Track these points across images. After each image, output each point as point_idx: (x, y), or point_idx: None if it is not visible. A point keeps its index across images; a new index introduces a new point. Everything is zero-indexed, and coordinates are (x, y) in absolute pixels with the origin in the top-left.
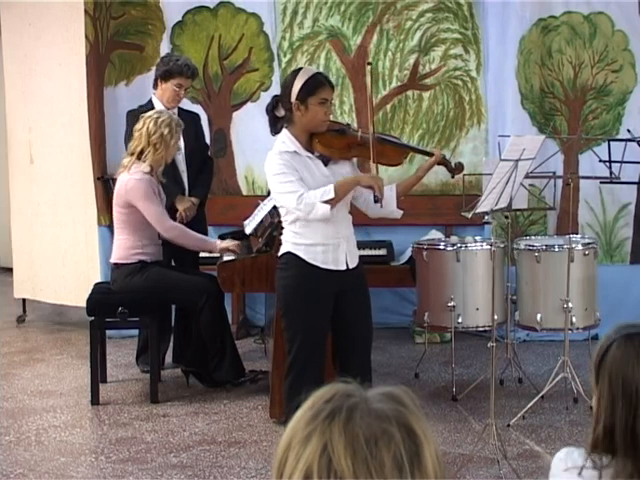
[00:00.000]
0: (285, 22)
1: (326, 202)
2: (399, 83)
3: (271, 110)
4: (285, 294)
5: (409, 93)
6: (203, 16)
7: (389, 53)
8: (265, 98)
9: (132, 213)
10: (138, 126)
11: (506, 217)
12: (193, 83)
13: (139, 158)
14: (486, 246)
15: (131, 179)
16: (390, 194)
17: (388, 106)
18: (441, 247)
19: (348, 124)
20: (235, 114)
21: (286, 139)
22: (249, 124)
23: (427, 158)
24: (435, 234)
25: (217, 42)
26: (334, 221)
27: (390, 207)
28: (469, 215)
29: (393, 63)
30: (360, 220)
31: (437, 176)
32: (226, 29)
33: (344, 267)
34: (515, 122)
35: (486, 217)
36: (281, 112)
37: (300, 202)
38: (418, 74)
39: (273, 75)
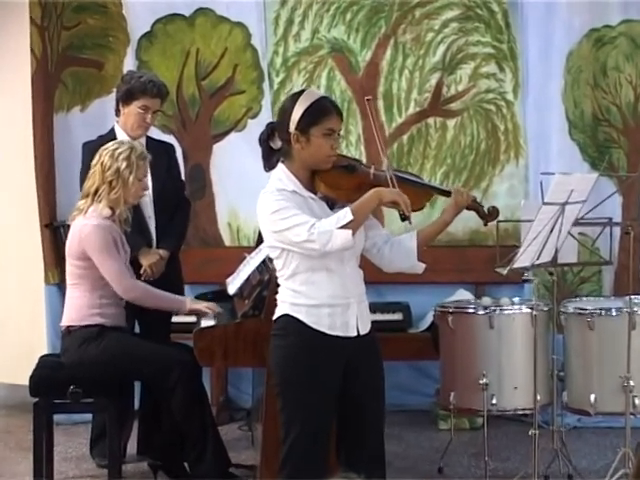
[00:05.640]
0: (278, 34)
1: (344, 228)
2: (418, 108)
3: (265, 140)
4: (282, 367)
5: (430, 121)
6: (177, 26)
7: (406, 71)
8: (253, 127)
9: (90, 267)
10: (94, 161)
11: (551, 274)
12: (164, 108)
13: (94, 200)
14: (526, 309)
15: (87, 225)
16: (410, 244)
17: (405, 137)
18: (470, 311)
19: (358, 160)
20: (216, 146)
21: (283, 176)
22: (233, 158)
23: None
24: (463, 294)
25: (194, 58)
26: (342, 276)
27: (410, 260)
28: (505, 271)
29: (411, 84)
30: (370, 277)
31: (465, 223)
32: (205, 42)
33: (354, 333)
34: (561, 156)
35: (526, 274)
36: (277, 143)
37: (312, 232)
38: (442, 97)
39: (263, 99)
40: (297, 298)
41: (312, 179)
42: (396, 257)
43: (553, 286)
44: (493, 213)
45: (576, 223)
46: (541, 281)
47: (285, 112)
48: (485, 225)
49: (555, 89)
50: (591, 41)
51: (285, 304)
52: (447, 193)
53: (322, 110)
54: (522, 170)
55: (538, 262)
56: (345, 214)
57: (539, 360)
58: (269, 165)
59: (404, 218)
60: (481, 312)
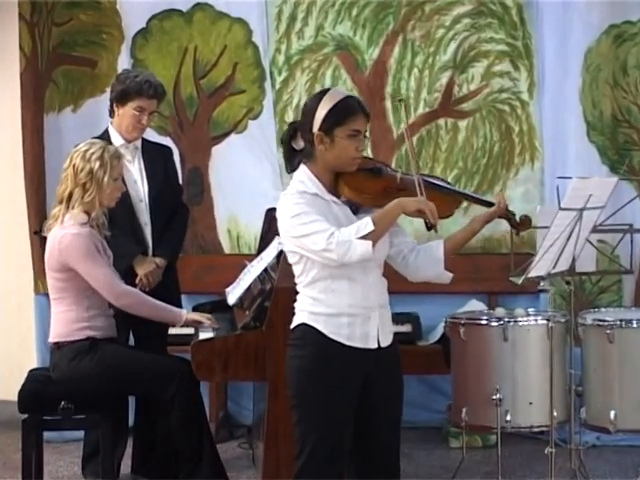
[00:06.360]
0: (280, 30)
1: (364, 238)
2: (428, 109)
3: (287, 141)
4: (298, 378)
5: (441, 122)
6: (173, 22)
7: (415, 70)
8: (253, 128)
9: (72, 278)
10: (65, 164)
11: (568, 283)
12: (160, 109)
13: (69, 205)
14: (542, 321)
15: (66, 234)
16: (437, 253)
17: (414, 139)
18: (483, 322)
19: (384, 162)
20: (215, 149)
21: (305, 178)
22: (233, 162)
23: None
24: (475, 305)
25: (192, 56)
26: (364, 285)
27: (437, 269)
28: (519, 280)
29: (420, 83)
30: None
31: None
32: (204, 39)
33: (375, 345)
34: (579, 159)
35: (542, 283)
36: (300, 144)
37: (331, 242)
38: (453, 97)
39: (264, 99)
40: (316, 306)
41: (336, 182)
42: (422, 266)
43: (570, 296)
44: (525, 222)
45: (595, 230)
46: (558, 291)
47: (309, 111)
48: (517, 235)
49: (572, 88)
50: (610, 38)
51: (303, 313)
52: (488, 204)
53: (347, 110)
54: (538, 174)
55: (554, 271)
56: (366, 224)
57: (556, 374)
58: (291, 166)
59: (430, 227)
60: (494, 323)
